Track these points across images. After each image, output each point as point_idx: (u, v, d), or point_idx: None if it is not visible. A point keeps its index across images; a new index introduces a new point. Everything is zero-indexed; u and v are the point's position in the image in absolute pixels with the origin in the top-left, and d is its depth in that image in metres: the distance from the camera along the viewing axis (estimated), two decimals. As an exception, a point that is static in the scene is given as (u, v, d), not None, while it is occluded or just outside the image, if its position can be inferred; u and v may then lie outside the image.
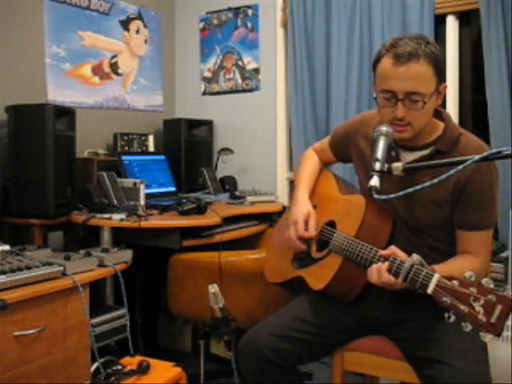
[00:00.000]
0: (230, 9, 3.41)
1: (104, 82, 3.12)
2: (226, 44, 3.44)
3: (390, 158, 1.51)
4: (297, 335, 1.60)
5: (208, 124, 3.39)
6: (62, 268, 1.85)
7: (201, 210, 2.38)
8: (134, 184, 2.52)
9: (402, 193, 1.32)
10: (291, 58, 3.09)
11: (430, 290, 1.27)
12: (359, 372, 1.83)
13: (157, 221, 2.31)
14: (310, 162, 1.92)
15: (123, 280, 2.01)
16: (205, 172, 3.09)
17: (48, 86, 2.79)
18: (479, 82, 2.64)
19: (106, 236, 2.31)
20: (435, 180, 1.26)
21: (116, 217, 2.27)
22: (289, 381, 1.63)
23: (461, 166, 1.22)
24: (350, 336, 1.67)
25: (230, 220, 2.51)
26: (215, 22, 3.48)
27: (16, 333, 1.67)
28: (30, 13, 2.70)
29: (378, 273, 1.39)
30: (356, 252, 1.53)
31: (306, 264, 1.70)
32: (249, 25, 3.34)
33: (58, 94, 2.84)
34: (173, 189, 3.04)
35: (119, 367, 1.76)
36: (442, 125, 1.55)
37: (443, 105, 1.65)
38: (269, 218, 2.78)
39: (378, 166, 1.40)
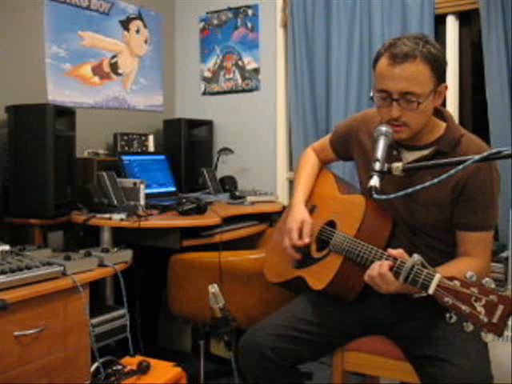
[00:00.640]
0: (229, 9, 3.41)
1: (104, 81, 3.12)
2: (225, 44, 3.44)
3: (391, 157, 1.51)
4: (297, 334, 1.61)
5: (208, 124, 3.39)
6: (62, 268, 1.85)
7: (201, 210, 2.38)
8: (134, 184, 2.52)
9: (401, 193, 1.32)
10: (291, 58, 3.09)
11: (431, 291, 1.27)
12: (359, 372, 1.83)
13: (157, 221, 2.31)
14: (308, 163, 1.91)
15: (123, 280, 2.01)
16: (205, 172, 3.09)
17: (48, 85, 2.79)
18: (479, 82, 2.63)
19: (106, 236, 2.30)
20: (435, 180, 1.25)
21: (116, 217, 2.27)
22: (289, 381, 1.64)
23: (461, 166, 1.22)
24: (350, 335, 1.67)
25: (229, 220, 2.51)
26: (215, 22, 3.48)
27: (16, 333, 1.67)
28: (30, 13, 2.69)
29: (380, 266, 1.39)
30: (356, 252, 1.53)
31: (305, 264, 1.70)
32: (249, 25, 3.34)
33: (58, 94, 2.84)
34: (173, 189, 3.04)
35: (119, 367, 1.76)
36: (443, 125, 1.55)
37: (443, 105, 1.65)
38: (269, 218, 2.79)
39: (377, 166, 1.40)
